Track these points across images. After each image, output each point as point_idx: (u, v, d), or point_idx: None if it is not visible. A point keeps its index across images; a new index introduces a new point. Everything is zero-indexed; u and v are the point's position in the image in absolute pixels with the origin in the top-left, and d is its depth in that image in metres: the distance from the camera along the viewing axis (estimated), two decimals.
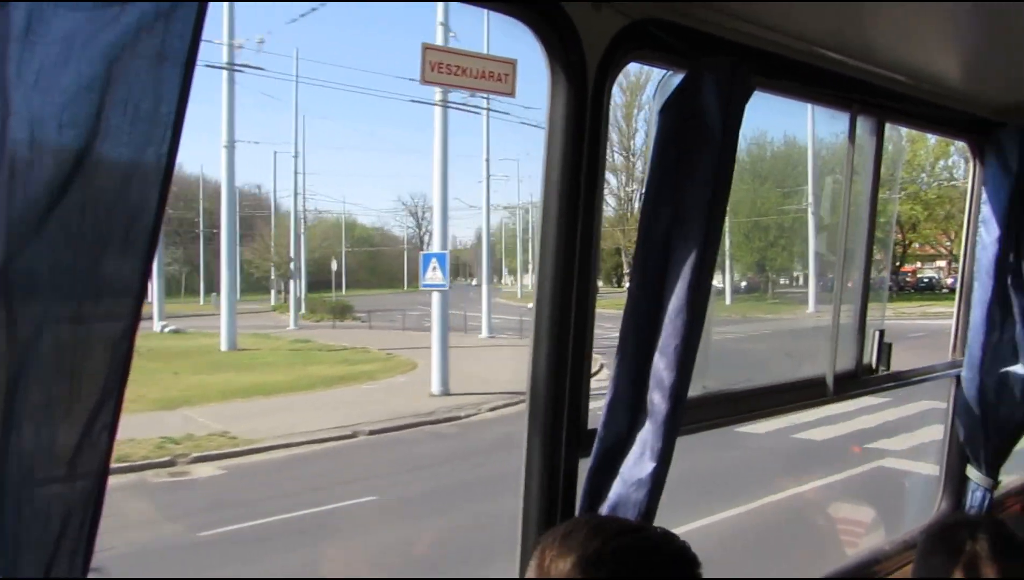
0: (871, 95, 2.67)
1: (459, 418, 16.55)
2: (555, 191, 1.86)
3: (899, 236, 43.38)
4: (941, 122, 3.10)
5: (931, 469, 10.06)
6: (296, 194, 41.03)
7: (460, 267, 70.58)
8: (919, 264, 50.57)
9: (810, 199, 35.27)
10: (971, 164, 3.33)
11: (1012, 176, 3.07)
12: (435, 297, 20.22)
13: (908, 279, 47.92)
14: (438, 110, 19.97)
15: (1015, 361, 3.17)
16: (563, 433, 1.90)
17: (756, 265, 45.33)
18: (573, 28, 1.79)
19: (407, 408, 16.85)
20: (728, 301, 40.42)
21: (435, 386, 19.08)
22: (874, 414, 13.76)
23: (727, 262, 39.49)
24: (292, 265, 39.44)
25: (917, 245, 47.51)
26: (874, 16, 2.35)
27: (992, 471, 3.24)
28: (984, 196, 3.14)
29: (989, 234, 3.11)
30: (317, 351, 27.34)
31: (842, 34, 2.41)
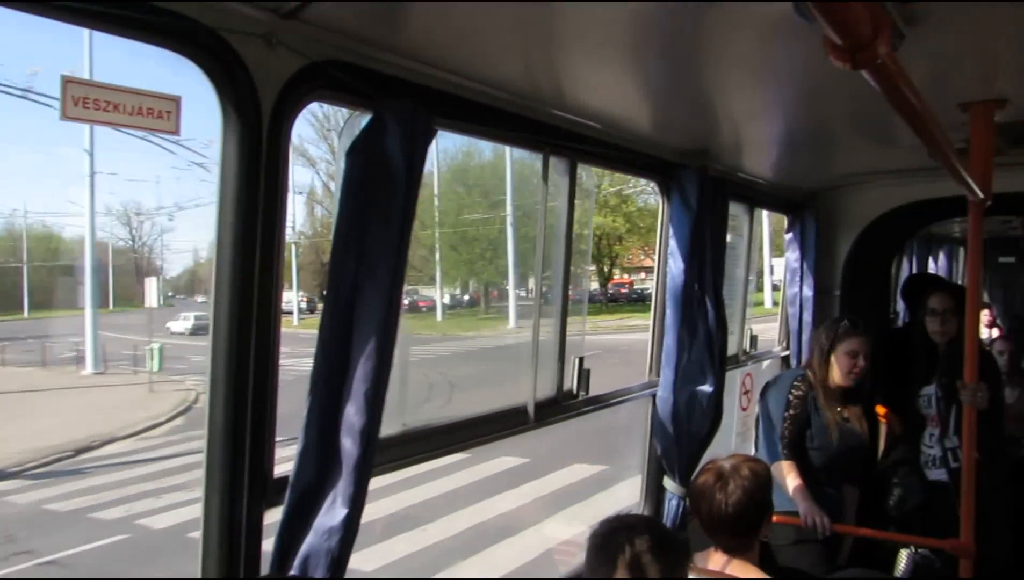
0: (564, 139, 2.85)
1: None
2: (230, 232, 1.78)
3: (608, 249, 44.39)
4: (632, 164, 3.39)
5: None
6: None
7: (196, 283, 65.78)
8: (644, 274, 52.56)
9: (509, 209, 34.42)
10: (661, 202, 3.67)
11: (692, 212, 3.42)
12: None
13: (623, 290, 49.32)
14: None
15: (702, 380, 3.52)
16: (245, 483, 1.81)
17: (466, 278, 43.39)
18: (244, 67, 1.74)
19: None
20: (440, 317, 38.70)
21: None
22: (421, 486, 11.43)
23: (438, 276, 38.11)
24: None
25: (640, 255, 49.34)
26: (564, 68, 2.52)
27: (685, 481, 3.56)
28: (671, 230, 3.47)
29: (676, 265, 3.44)
30: None
31: (534, 82, 2.56)
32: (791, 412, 3.94)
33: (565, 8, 2.00)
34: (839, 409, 3.98)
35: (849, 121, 3.47)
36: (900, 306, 6.40)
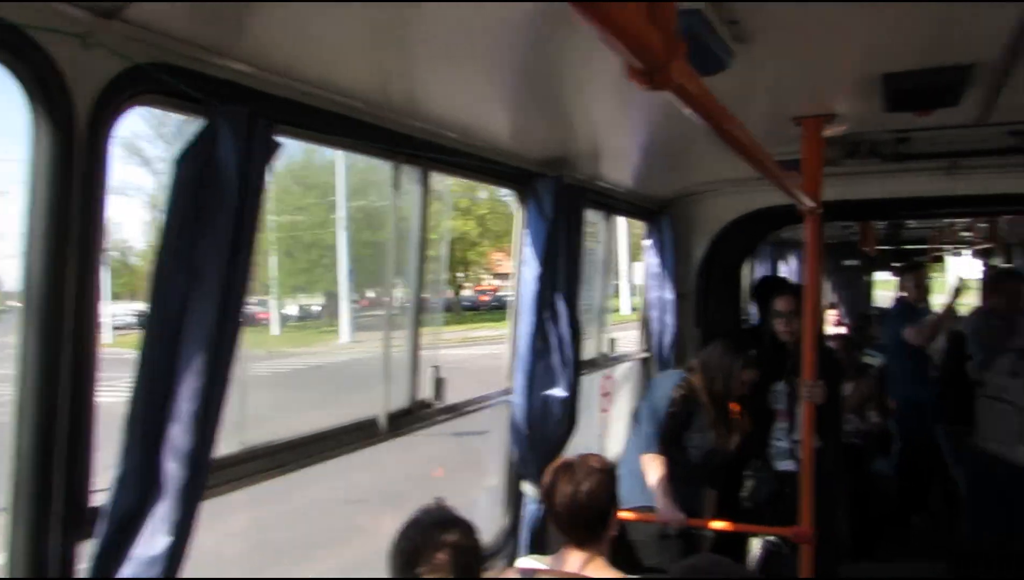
0: (417, 148, 2.82)
1: None
2: (40, 246, 1.65)
3: (461, 255, 41.07)
4: (489, 173, 3.40)
5: None
6: None
7: None
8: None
9: (341, 211, 31.27)
10: (518, 210, 3.69)
11: (547, 221, 3.47)
12: None
13: (484, 298, 45.72)
14: None
15: (557, 385, 3.57)
16: (55, 512, 1.68)
17: (303, 287, 38.43)
18: (57, 70, 1.62)
19: None
20: (278, 331, 33.86)
21: None
22: None
23: (272, 286, 34.05)
24: None
25: (508, 261, 47.23)
26: (417, 77, 2.49)
27: None
28: (527, 238, 3.51)
29: (531, 272, 3.48)
30: None
31: (385, 91, 2.51)
32: (673, 410, 4.18)
33: (415, 16, 1.97)
34: (719, 417, 4.29)
35: (698, 132, 3.60)
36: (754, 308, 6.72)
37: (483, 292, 46.20)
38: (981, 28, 2.17)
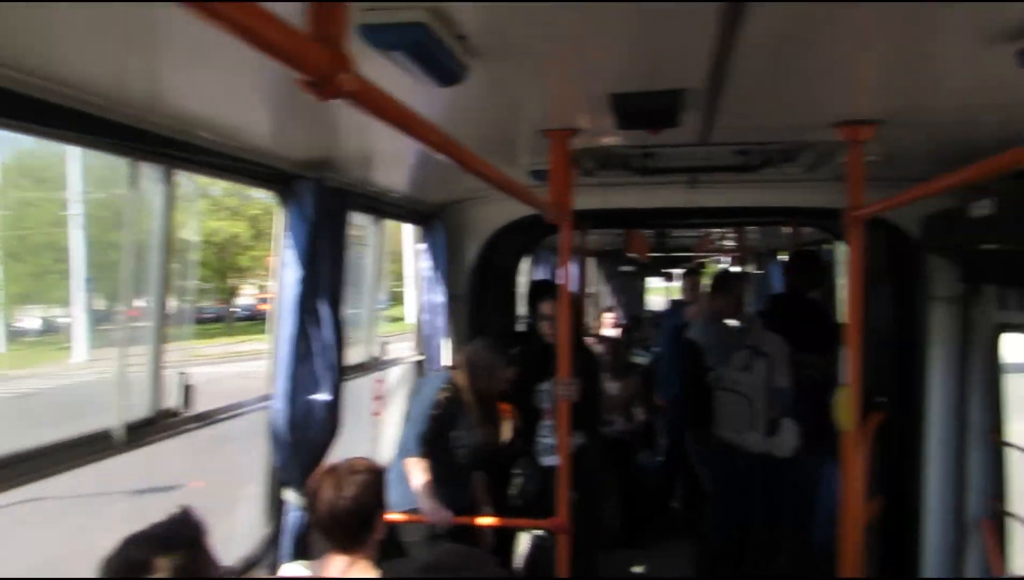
0: (159, 145, 2.69)
1: None
2: None
3: (232, 259, 37.73)
4: (244, 173, 3.31)
5: None
6: None
7: None
8: None
9: (74, 208, 27.44)
10: (278, 212, 3.62)
11: (308, 223, 3.45)
12: None
13: (262, 306, 39.96)
14: None
15: (319, 389, 3.55)
16: None
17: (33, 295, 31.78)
18: None
19: None
20: (2, 349, 28.48)
21: None
22: None
23: None
24: None
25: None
26: (159, 72, 2.37)
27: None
28: (288, 241, 3.46)
29: (292, 276, 3.44)
30: None
31: (122, 85, 2.37)
32: (436, 412, 4.24)
33: (154, 8, 1.88)
34: (485, 414, 4.42)
35: (465, 140, 3.71)
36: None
37: (264, 300, 42.18)
38: (685, 57, 2.40)
